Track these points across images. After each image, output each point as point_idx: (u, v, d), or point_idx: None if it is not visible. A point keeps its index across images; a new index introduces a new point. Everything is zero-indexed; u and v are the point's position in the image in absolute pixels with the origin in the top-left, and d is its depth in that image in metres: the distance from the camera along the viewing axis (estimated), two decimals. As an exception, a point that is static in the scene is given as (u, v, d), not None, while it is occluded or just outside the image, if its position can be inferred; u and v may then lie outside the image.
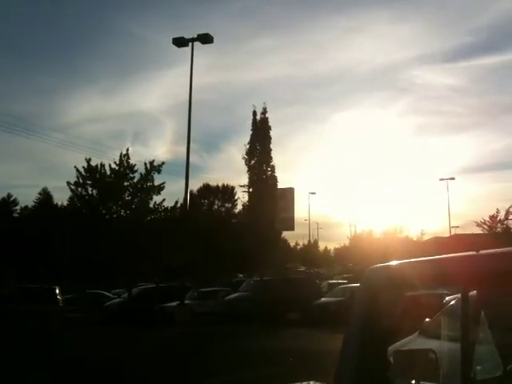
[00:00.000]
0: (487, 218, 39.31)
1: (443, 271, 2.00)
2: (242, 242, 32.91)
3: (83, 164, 30.04)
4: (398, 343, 3.88)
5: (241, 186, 31.47)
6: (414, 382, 2.22)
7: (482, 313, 2.42)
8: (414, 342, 5.10)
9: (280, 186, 31.24)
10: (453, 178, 50.25)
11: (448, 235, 50.23)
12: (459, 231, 52.85)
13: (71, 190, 30.64)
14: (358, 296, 2.37)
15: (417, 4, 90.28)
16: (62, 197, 53.70)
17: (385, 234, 58.79)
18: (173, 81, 79.34)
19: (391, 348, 2.36)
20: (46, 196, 55.70)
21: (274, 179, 29.68)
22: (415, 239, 59.06)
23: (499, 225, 38.76)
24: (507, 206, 37.89)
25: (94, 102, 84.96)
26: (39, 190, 56.60)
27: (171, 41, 26.07)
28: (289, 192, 37.43)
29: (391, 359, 2.29)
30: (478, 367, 2.42)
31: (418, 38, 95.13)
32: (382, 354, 2.19)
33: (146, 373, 10.56)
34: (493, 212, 39.26)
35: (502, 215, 38.26)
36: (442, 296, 12.70)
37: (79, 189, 30.26)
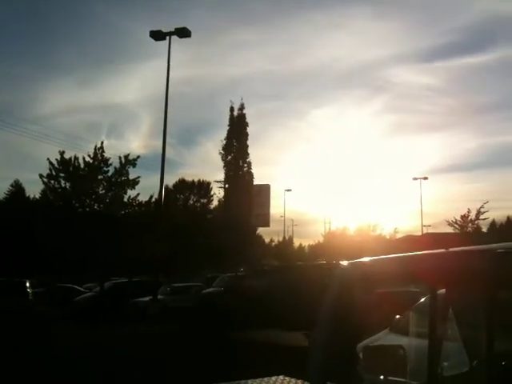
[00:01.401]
0: (459, 218, 40.01)
1: (413, 268, 2.02)
2: (217, 237, 32.86)
3: (56, 156, 29.61)
4: (368, 339, 3.92)
5: (217, 182, 31.46)
6: (382, 377, 2.24)
7: (450, 310, 2.45)
8: (383, 338, 5.16)
9: (256, 182, 31.32)
10: (426, 178, 51.03)
11: (420, 234, 51.01)
12: (431, 230, 53.67)
13: (44, 182, 30.19)
14: (329, 291, 2.38)
15: (396, 2, 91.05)
16: (34, 190, 52.65)
17: (358, 231, 59.41)
18: (150, 74, 78.43)
19: (361, 344, 2.37)
20: (17, 188, 54.66)
21: (250, 175, 29.76)
22: (388, 237, 59.82)
23: (470, 224, 39.45)
24: (479, 206, 38.59)
25: (69, 92, 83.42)
26: (11, 182, 55.58)
27: (148, 34, 25.86)
28: (265, 188, 37.50)
29: (361, 355, 2.31)
30: (445, 363, 2.46)
31: (396, 37, 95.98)
32: (351, 349, 2.21)
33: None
34: (464, 212, 39.97)
35: (473, 215, 38.96)
36: (413, 294, 12.89)
37: (52, 181, 29.82)
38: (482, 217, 38.61)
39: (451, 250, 1.93)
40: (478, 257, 1.81)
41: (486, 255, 1.79)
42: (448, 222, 40.88)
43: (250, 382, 1.88)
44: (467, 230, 38.93)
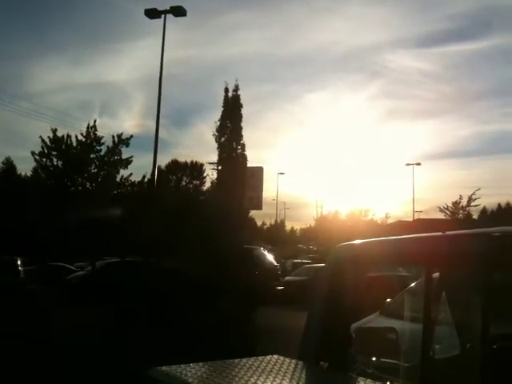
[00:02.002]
0: (450, 204, 40.20)
1: (408, 251, 2.02)
2: (209, 219, 32.84)
3: (49, 134, 29.37)
4: (359, 321, 3.95)
5: (210, 164, 31.30)
6: (374, 358, 2.25)
7: (444, 293, 2.46)
8: (374, 321, 5.20)
9: (249, 164, 31.19)
10: (419, 164, 51.18)
11: (412, 219, 51.28)
12: (422, 216, 54.01)
13: (35, 160, 29.98)
14: (323, 272, 2.38)
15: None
16: (25, 167, 52.33)
17: (350, 215, 59.59)
18: (144, 53, 77.69)
19: (354, 325, 2.38)
20: (9, 165, 54.27)
21: (244, 158, 29.57)
22: (379, 222, 60.08)
23: (461, 211, 39.67)
24: (470, 193, 38.77)
25: (62, 70, 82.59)
26: (2, 159, 55.13)
27: (143, 12, 25.50)
28: (258, 171, 37.37)
29: (353, 336, 2.32)
30: (437, 346, 2.47)
31: (392, 22, 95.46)
32: (344, 330, 2.21)
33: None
34: (456, 198, 40.16)
35: (464, 202, 39.15)
36: (403, 278, 12.99)
37: (44, 159, 29.61)
38: (473, 204, 38.81)
39: (447, 233, 1.92)
40: (474, 240, 1.81)
41: (481, 239, 1.79)
42: (439, 208, 41.12)
43: (243, 360, 1.88)
44: (458, 217, 39.14)
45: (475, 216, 46.43)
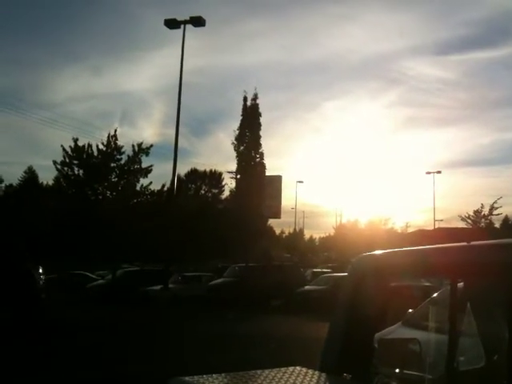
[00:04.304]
0: (472, 213, 39.66)
1: (432, 261, 2.00)
2: (227, 228, 32.91)
3: (70, 143, 29.81)
4: (381, 332, 3.91)
5: (228, 172, 31.40)
6: (397, 370, 2.22)
7: (468, 304, 2.42)
8: (396, 331, 5.14)
9: (268, 173, 31.21)
10: (439, 172, 50.63)
11: (432, 228, 50.71)
12: (443, 225, 53.33)
13: (57, 169, 30.46)
14: (344, 283, 2.37)
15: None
16: (47, 176, 53.07)
17: (370, 224, 59.13)
18: (163, 62, 78.47)
19: (376, 336, 2.35)
20: (31, 174, 55.12)
21: (263, 166, 29.60)
22: (400, 231, 59.53)
23: (483, 220, 39.09)
24: (492, 202, 38.21)
25: (83, 79, 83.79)
26: (24, 168, 56.03)
27: (163, 22, 25.80)
28: (276, 180, 37.40)
29: (376, 347, 2.29)
30: (461, 358, 2.43)
31: (410, 29, 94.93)
32: (367, 341, 2.19)
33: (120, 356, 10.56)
34: (477, 207, 39.60)
35: (486, 210, 38.59)
36: (426, 288, 12.85)
37: (65, 168, 30.05)
38: (495, 212, 38.22)
39: (473, 243, 1.90)
40: (500, 251, 1.78)
41: (507, 249, 1.76)
42: (461, 216, 40.57)
43: (266, 371, 1.87)
44: (480, 226, 38.57)
45: (497, 225, 45.77)
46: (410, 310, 5.58)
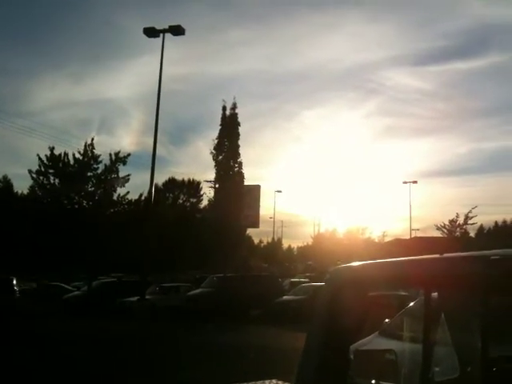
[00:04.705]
0: (447, 222, 40.22)
1: (407, 273, 2.02)
2: (205, 237, 32.77)
3: (46, 152, 29.45)
4: (358, 342, 3.93)
5: (207, 182, 31.34)
6: (374, 381, 2.24)
7: (443, 315, 2.45)
8: (373, 341, 5.17)
9: (247, 182, 31.21)
10: (415, 182, 51.31)
11: (409, 237, 51.27)
12: (420, 234, 54.00)
13: (33, 178, 30.04)
14: (321, 295, 2.38)
15: (390, 5, 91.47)
16: (22, 185, 52.26)
17: (348, 234, 59.57)
18: (142, 70, 78.20)
19: (352, 347, 2.37)
20: (5, 184, 54.24)
21: (241, 176, 29.59)
22: (377, 240, 60.08)
23: (458, 229, 39.67)
24: (467, 211, 38.81)
25: (60, 87, 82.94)
26: (-1, 177, 55.08)
27: (142, 30, 25.74)
28: (255, 189, 37.51)
29: (352, 358, 2.30)
30: (436, 368, 2.46)
31: (390, 40, 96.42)
32: (343, 352, 2.20)
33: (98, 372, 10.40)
34: (453, 216, 40.19)
35: (461, 220, 39.17)
36: (402, 297, 12.95)
37: (41, 177, 29.65)
38: (470, 221, 38.82)
39: (445, 255, 1.93)
40: (473, 263, 1.81)
41: (480, 261, 1.79)
42: (436, 226, 41.11)
43: (243, 385, 1.87)
44: (455, 235, 39.13)
45: (472, 234, 46.52)
46: (387, 320, 5.62)
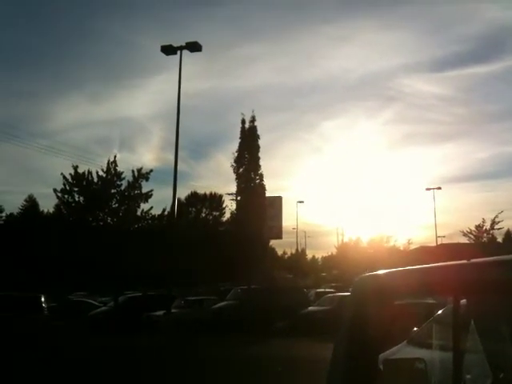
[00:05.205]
0: (473, 228, 39.60)
1: (434, 280, 2.00)
2: (229, 250, 32.81)
3: (70, 171, 29.88)
4: (387, 352, 3.88)
5: (228, 194, 31.42)
6: (403, 391, 2.21)
7: (472, 322, 2.42)
8: (402, 350, 5.10)
9: (268, 194, 31.22)
10: (439, 188, 50.67)
11: (435, 244, 50.54)
12: (445, 241, 53.26)
13: (57, 197, 30.45)
14: (347, 305, 2.36)
15: (404, 13, 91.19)
16: (48, 204, 53.23)
17: (372, 242, 58.97)
18: (161, 87, 79.26)
19: (381, 356, 2.35)
20: (31, 203, 55.21)
21: (263, 187, 29.62)
22: (402, 248, 59.32)
23: (485, 234, 39.03)
24: (493, 216, 38.18)
25: (81, 107, 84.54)
26: (25, 196, 56.15)
27: (159, 48, 26.07)
28: (277, 200, 37.47)
29: (381, 367, 2.28)
30: (468, 376, 2.42)
31: (405, 47, 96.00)
32: (372, 362, 2.18)
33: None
34: (479, 222, 39.56)
35: (487, 225, 38.54)
36: (430, 305, 12.78)
37: (66, 196, 30.06)
38: (496, 226, 38.20)
39: (473, 260, 1.90)
40: (500, 267, 1.79)
41: (508, 266, 1.76)
42: (463, 232, 40.53)
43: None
44: (482, 240, 38.50)
45: (499, 239, 45.68)
46: (415, 329, 5.55)
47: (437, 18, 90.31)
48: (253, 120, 29.32)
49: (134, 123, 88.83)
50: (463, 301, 2.22)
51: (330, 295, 25.79)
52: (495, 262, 1.80)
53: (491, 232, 38.86)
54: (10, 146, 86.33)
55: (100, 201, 29.02)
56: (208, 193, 63.31)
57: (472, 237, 39.53)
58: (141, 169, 30.09)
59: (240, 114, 29.40)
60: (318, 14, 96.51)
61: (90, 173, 29.89)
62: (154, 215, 31.21)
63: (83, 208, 29.52)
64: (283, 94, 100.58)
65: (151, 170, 30.61)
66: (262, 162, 29.34)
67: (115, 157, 30.24)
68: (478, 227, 39.21)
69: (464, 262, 1.87)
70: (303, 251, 77.84)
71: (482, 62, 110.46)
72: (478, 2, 71.52)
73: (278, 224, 38.22)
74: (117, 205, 29.50)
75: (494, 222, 37.84)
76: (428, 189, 50.72)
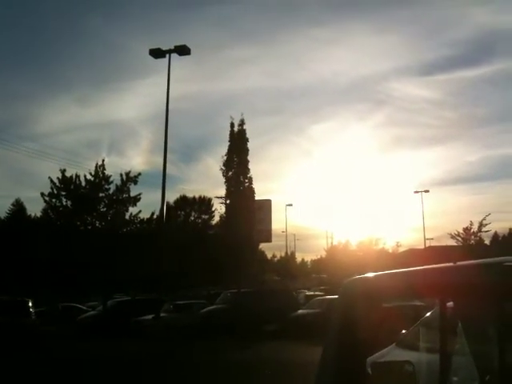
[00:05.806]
0: (461, 231, 39.84)
1: (421, 282, 2.02)
2: (218, 253, 32.77)
3: (58, 174, 29.70)
4: (375, 355, 3.90)
5: (218, 198, 31.38)
6: (392, 393, 2.22)
7: (459, 324, 2.43)
8: (390, 353, 5.13)
9: (257, 197, 31.20)
10: (427, 191, 50.98)
11: (423, 247, 50.83)
12: (434, 243, 53.55)
13: (45, 201, 30.25)
14: (336, 307, 2.37)
15: (394, 17, 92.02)
16: (35, 208, 52.81)
17: (361, 245, 59.19)
18: (149, 90, 79.08)
19: (369, 359, 2.36)
20: (19, 207, 54.70)
21: (252, 191, 29.61)
22: (391, 251, 59.59)
23: (473, 237, 39.28)
24: (481, 219, 38.44)
25: (69, 110, 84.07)
26: (12, 200, 55.62)
27: (148, 51, 26.01)
28: (266, 204, 37.49)
29: (369, 371, 2.29)
30: (455, 378, 2.43)
31: (395, 51, 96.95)
32: (360, 365, 2.19)
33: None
34: (467, 224, 39.81)
35: (475, 227, 38.80)
36: (418, 308, 12.84)
37: (53, 200, 29.86)
38: (484, 229, 38.43)
39: (459, 263, 1.92)
40: (486, 270, 1.80)
41: (493, 268, 1.78)
42: (450, 234, 40.75)
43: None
44: (470, 243, 38.75)
45: (487, 241, 46.01)
46: (404, 331, 5.57)
47: (427, 22, 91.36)
48: (242, 123, 29.33)
49: (123, 126, 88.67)
50: (450, 303, 2.24)
51: (319, 298, 25.81)
52: (480, 264, 1.82)
53: (479, 234, 39.10)
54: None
55: (88, 205, 28.87)
56: (197, 196, 63.22)
57: (460, 239, 39.75)
58: (129, 172, 30.04)
59: (229, 117, 29.42)
60: (308, 17, 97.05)
61: (77, 176, 29.77)
62: (143, 219, 31.11)
63: (71, 212, 29.35)
64: (273, 97, 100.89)
65: (139, 174, 30.57)
66: (251, 166, 29.36)
67: (103, 160, 30.15)
68: (466, 230, 39.44)
69: (450, 264, 1.89)
70: (292, 254, 77.98)
71: (471, 66, 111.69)
72: (467, 6, 72.33)
73: (267, 227, 38.23)
74: (105, 209, 29.38)
75: (481, 225, 38.08)
76: (416, 192, 51.06)
